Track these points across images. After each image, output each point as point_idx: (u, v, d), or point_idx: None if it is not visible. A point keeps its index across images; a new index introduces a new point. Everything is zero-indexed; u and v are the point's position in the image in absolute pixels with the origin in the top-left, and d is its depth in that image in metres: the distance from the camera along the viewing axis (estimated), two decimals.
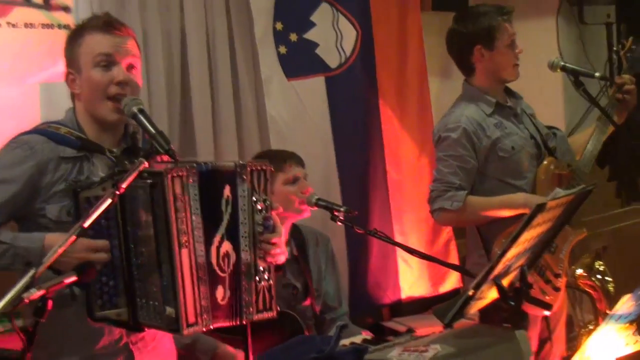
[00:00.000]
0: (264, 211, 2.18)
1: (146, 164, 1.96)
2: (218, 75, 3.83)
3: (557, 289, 3.09)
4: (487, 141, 3.06)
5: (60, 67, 2.93)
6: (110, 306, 2.09)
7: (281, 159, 3.24)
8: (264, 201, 2.18)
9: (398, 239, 4.14)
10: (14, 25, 3.19)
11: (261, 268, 2.17)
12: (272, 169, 2.23)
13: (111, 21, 2.27)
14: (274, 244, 2.19)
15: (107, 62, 2.22)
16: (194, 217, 2.05)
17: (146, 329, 2.18)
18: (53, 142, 2.21)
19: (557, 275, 3.08)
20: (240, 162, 2.17)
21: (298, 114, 3.99)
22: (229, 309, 2.13)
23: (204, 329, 2.09)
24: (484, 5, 3.18)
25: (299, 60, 3.98)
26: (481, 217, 3.07)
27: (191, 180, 2.05)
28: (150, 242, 2.04)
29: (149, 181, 2.01)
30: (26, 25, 3.22)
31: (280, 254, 2.26)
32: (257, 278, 2.16)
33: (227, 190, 2.13)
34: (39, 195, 2.19)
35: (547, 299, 3.00)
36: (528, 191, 3.08)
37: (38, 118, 3.23)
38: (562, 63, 3.15)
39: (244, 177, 2.14)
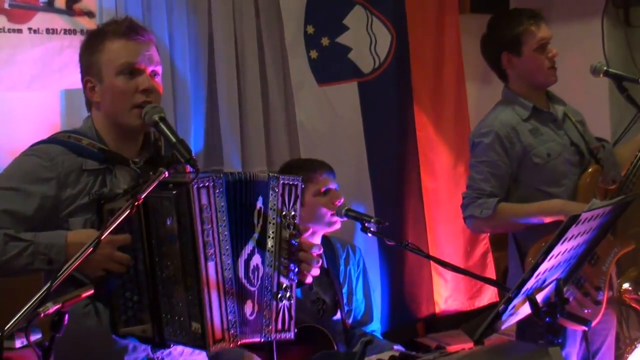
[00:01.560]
0: (291, 227, 2.15)
1: (166, 174, 1.92)
2: (246, 80, 3.76)
3: (597, 303, 2.96)
4: (520, 146, 2.98)
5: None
6: (135, 322, 2.05)
7: (311, 168, 3.17)
8: (293, 217, 2.16)
9: (432, 250, 4.05)
10: (35, 31, 3.18)
11: (284, 286, 2.13)
12: (303, 185, 2.20)
13: (134, 27, 2.21)
14: (301, 261, 2.16)
15: (131, 70, 2.16)
16: (220, 229, 2.01)
17: (172, 345, 2.13)
18: (74, 154, 2.15)
19: (597, 288, 2.97)
20: (273, 173, 2.16)
21: (329, 121, 3.92)
22: (257, 325, 2.09)
23: (231, 345, 2.04)
24: (514, 10, 3.14)
25: (331, 65, 3.91)
26: (515, 224, 2.99)
27: (217, 191, 2.01)
28: (175, 255, 2.00)
29: (174, 192, 1.98)
30: (48, 31, 3.22)
31: (307, 275, 2.20)
32: (279, 296, 2.12)
33: (259, 202, 2.11)
34: (60, 208, 2.13)
35: (585, 312, 2.89)
36: (566, 199, 2.97)
37: (58, 124, 3.21)
38: (605, 68, 3.04)
39: (276, 189, 2.12)
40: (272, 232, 2.11)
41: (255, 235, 2.09)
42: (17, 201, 2.08)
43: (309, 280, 2.24)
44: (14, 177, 2.12)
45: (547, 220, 2.88)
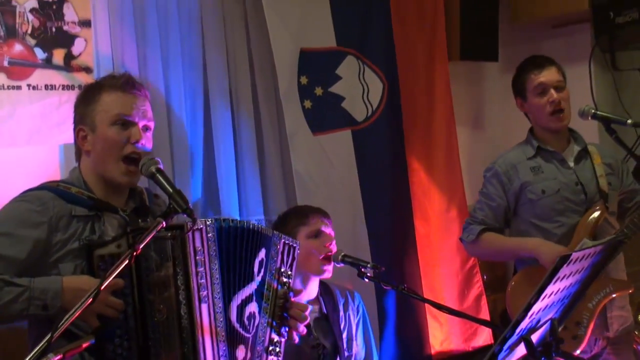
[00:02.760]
0: (285, 286, 2.24)
1: (164, 224, 1.95)
2: (241, 130, 3.81)
3: (575, 337, 3.02)
4: (517, 182, 3.18)
5: None
6: None
7: (304, 213, 3.20)
8: (288, 277, 2.25)
9: (427, 294, 4.06)
10: (34, 87, 3.23)
11: (275, 340, 2.22)
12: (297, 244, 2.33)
13: (130, 81, 2.29)
14: (293, 318, 2.25)
15: (124, 121, 2.22)
16: (213, 272, 2.08)
17: None
18: (63, 200, 2.19)
19: (577, 323, 3.02)
20: (277, 232, 2.27)
21: (325, 169, 3.94)
22: None
23: None
24: (528, 57, 3.28)
25: (325, 115, 3.95)
26: (497, 254, 3.30)
27: (210, 234, 2.07)
28: (169, 297, 2.04)
29: (169, 234, 2.03)
30: (47, 87, 3.26)
31: (295, 333, 2.31)
32: (269, 349, 2.20)
33: (262, 253, 2.19)
34: (50, 253, 2.15)
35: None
36: (559, 235, 3.09)
37: (58, 177, 3.23)
38: (593, 110, 3.12)
39: (278, 246, 2.22)
40: (271, 285, 2.18)
41: (255, 285, 2.14)
42: (9, 246, 2.11)
43: (295, 338, 2.33)
44: (6, 223, 2.15)
45: (525, 255, 3.08)
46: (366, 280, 2.90)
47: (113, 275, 1.85)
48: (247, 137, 3.81)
